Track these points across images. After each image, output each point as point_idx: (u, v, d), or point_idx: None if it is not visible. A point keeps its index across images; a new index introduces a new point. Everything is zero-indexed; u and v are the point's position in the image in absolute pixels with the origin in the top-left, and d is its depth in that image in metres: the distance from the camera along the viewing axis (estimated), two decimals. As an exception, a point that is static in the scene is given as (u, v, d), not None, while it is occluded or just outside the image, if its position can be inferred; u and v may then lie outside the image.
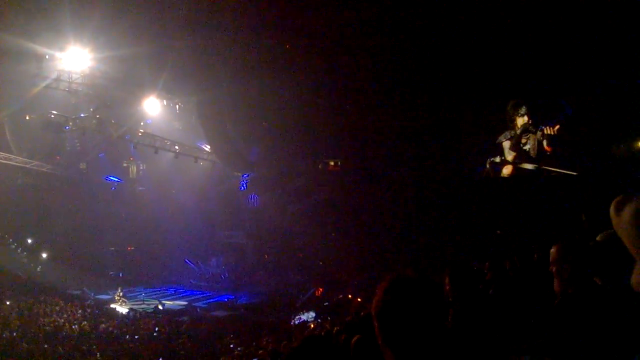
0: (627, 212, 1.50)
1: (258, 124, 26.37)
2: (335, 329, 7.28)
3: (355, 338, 4.08)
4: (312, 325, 17.56)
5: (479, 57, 17.46)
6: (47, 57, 21.35)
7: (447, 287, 3.43)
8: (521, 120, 17.83)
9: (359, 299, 22.04)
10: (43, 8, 17.99)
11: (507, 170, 18.31)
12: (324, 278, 25.63)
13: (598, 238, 2.60)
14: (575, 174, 16.71)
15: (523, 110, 17.77)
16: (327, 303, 22.76)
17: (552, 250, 2.60)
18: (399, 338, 1.53)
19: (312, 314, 20.59)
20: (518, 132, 18.02)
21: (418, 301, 1.54)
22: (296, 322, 20.17)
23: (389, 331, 1.55)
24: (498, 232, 20.00)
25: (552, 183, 17.26)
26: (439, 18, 17.00)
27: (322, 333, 8.27)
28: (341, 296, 23.39)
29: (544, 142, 17.53)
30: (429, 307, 1.54)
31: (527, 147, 17.65)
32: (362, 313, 7.23)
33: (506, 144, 18.13)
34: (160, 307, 24.01)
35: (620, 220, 1.52)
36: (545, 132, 17.46)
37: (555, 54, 15.93)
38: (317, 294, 24.39)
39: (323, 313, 20.43)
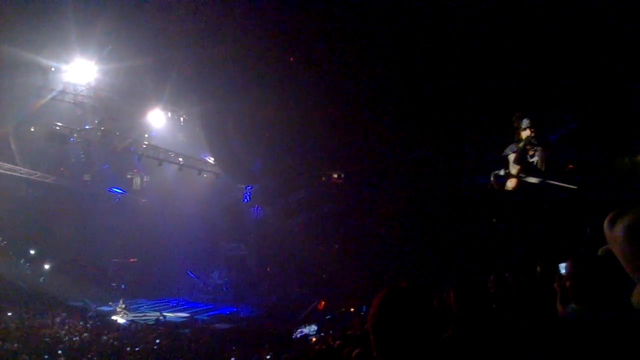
0: (619, 227, 1.47)
1: (261, 136, 26.43)
2: (337, 342, 7.23)
3: (355, 351, 4.05)
4: (313, 339, 17.47)
5: (484, 69, 17.50)
6: (52, 69, 21.52)
7: (452, 300, 3.40)
8: (525, 133, 17.80)
9: (362, 313, 21.94)
10: (49, 21, 18.17)
11: (511, 184, 18.24)
12: (327, 291, 25.51)
13: (600, 252, 2.58)
14: (575, 187, 16.65)
15: (527, 123, 17.75)
16: (329, 316, 22.64)
17: (567, 264, 2.57)
18: (393, 350, 1.52)
19: (314, 327, 20.46)
20: (522, 145, 17.99)
21: (411, 313, 1.52)
22: (298, 336, 20.05)
23: (383, 343, 1.54)
24: (494, 219, 20.07)
25: (556, 197, 17.20)
26: (444, 30, 17.08)
27: (324, 347, 8.21)
28: (344, 309, 23.27)
29: (547, 157, 17.51)
30: (422, 318, 1.53)
31: (533, 160, 17.59)
32: (365, 326, 7.17)
33: (511, 157, 18.08)
34: (161, 319, 23.94)
35: (613, 236, 1.50)
36: (549, 144, 17.44)
37: (561, 67, 15.96)
38: (319, 307, 24.25)
39: (325, 326, 20.30)
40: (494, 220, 20.53)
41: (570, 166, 17.22)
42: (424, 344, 1.50)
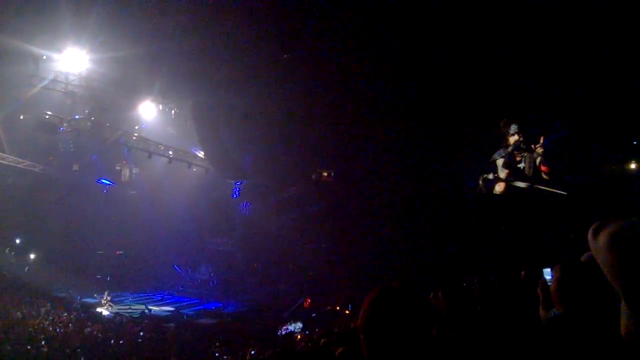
0: (603, 237, 1.49)
1: (252, 132, 26.39)
2: (322, 340, 7.26)
3: (339, 350, 4.08)
4: (299, 337, 17.50)
5: (475, 73, 17.61)
6: (44, 57, 21.30)
7: (438, 301, 3.44)
8: (513, 139, 17.92)
9: (347, 311, 22.01)
10: (41, 9, 17.99)
11: (499, 188, 18.32)
12: (313, 289, 25.55)
13: (582, 259, 2.61)
14: (565, 193, 16.80)
15: (514, 128, 17.87)
16: (314, 314, 22.69)
17: (555, 269, 2.61)
18: (383, 350, 1.54)
19: (299, 325, 20.50)
20: (510, 150, 18.11)
21: (403, 313, 1.54)
22: (283, 333, 20.08)
23: (373, 344, 1.56)
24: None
25: (543, 202, 17.35)
26: (436, 33, 17.15)
27: (309, 344, 8.24)
28: (329, 308, 23.33)
29: (539, 161, 17.62)
30: (413, 318, 1.55)
31: (521, 166, 17.72)
32: (351, 325, 7.21)
33: (499, 162, 18.18)
34: (146, 312, 23.85)
35: (597, 246, 1.52)
36: (539, 151, 17.56)
37: (551, 72, 16.09)
38: (305, 305, 24.30)
39: (310, 324, 20.35)
40: (473, 218, 20.74)
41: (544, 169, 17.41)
42: (415, 344, 1.52)
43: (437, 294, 3.54)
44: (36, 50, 20.57)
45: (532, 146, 17.58)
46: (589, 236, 1.60)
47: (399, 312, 1.54)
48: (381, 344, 1.54)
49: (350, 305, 22.37)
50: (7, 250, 27.64)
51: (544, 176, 17.41)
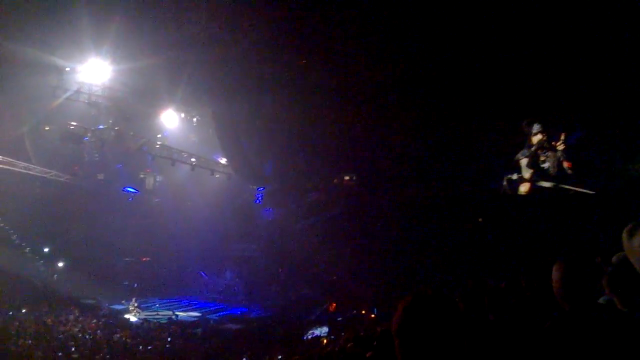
0: (638, 239, 1.48)
1: (274, 137, 26.50)
2: (349, 345, 7.25)
3: (368, 354, 4.08)
4: (325, 341, 17.48)
5: (498, 73, 17.44)
6: (67, 69, 21.71)
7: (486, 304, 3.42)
8: (537, 138, 17.73)
9: (372, 315, 21.92)
10: (64, 22, 18.34)
11: (524, 188, 18.17)
12: (338, 293, 25.50)
13: (613, 259, 2.59)
14: (592, 192, 16.53)
15: (538, 128, 17.68)
16: (340, 318, 22.63)
17: (555, 265, 2.60)
18: (420, 356, 1.54)
19: (325, 329, 20.47)
20: (534, 149, 17.92)
21: (438, 319, 1.55)
22: (309, 337, 20.06)
23: (409, 349, 1.56)
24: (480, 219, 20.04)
25: (569, 201, 17.10)
26: (458, 35, 17.04)
27: (336, 349, 8.24)
28: (355, 312, 23.25)
29: (563, 159, 17.39)
30: (449, 325, 1.56)
31: (546, 165, 17.52)
32: (378, 329, 7.19)
33: (523, 162, 18.01)
34: (173, 318, 24.07)
35: (632, 246, 1.51)
36: (563, 149, 17.33)
37: (575, 72, 15.86)
38: (330, 309, 24.26)
39: (336, 328, 20.30)
40: (480, 220, 20.54)
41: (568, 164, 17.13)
42: (449, 351, 1.53)
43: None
44: (60, 62, 20.99)
45: (553, 143, 17.41)
46: (624, 237, 1.59)
47: (433, 318, 1.55)
48: (416, 349, 1.55)
49: (375, 309, 22.28)
50: (36, 259, 28.12)
51: (569, 171, 17.20)
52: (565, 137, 17.34)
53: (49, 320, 19.34)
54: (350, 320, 21.91)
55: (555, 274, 2.56)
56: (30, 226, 27.08)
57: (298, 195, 29.38)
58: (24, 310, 20.41)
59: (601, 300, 2.54)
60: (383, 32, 18.32)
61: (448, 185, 22.23)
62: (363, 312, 23.02)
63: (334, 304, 24.46)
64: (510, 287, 5.44)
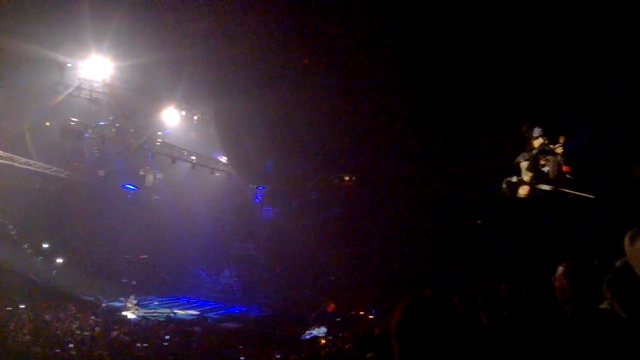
0: None
1: (274, 136, 26.52)
2: (347, 346, 7.25)
3: (368, 355, 4.08)
4: (323, 341, 17.49)
5: (498, 75, 17.46)
6: (69, 65, 21.71)
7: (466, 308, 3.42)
8: (537, 142, 17.72)
9: (371, 316, 21.93)
10: (66, 17, 18.35)
11: (523, 191, 18.14)
12: (337, 293, 25.50)
13: (617, 264, 2.58)
14: (592, 197, 16.52)
15: (538, 132, 17.68)
16: (339, 319, 22.63)
17: (559, 267, 2.60)
18: (416, 357, 1.55)
19: (323, 329, 20.47)
20: (535, 152, 17.91)
21: (437, 322, 1.56)
22: (307, 337, 20.07)
23: (408, 352, 1.57)
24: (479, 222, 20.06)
25: (570, 205, 17.09)
26: (459, 38, 17.07)
27: (334, 349, 8.24)
28: (353, 312, 23.26)
29: (562, 162, 17.39)
30: (447, 328, 1.56)
31: (546, 169, 17.51)
32: (376, 330, 7.19)
33: (524, 165, 18.00)
34: (171, 315, 24.08)
35: (634, 252, 1.51)
36: (562, 152, 17.32)
37: (574, 75, 15.88)
38: (329, 309, 24.27)
39: (335, 329, 20.31)
40: (479, 222, 20.55)
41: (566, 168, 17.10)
42: (447, 353, 1.53)
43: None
44: (61, 58, 20.98)
45: (552, 146, 17.40)
46: (626, 241, 1.59)
47: (432, 321, 1.56)
48: (414, 351, 1.55)
49: (374, 310, 22.28)
50: (34, 255, 28.10)
51: (567, 176, 17.20)
52: (565, 140, 17.34)
53: (47, 316, 19.35)
54: (349, 321, 21.92)
55: (559, 276, 2.56)
56: (29, 222, 27.08)
57: (298, 194, 29.38)
58: (22, 306, 20.40)
59: (603, 305, 2.53)
60: (385, 32, 18.34)
61: (448, 186, 22.22)
62: (361, 313, 23.02)
63: (333, 305, 24.45)
64: (510, 289, 5.45)
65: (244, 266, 32.62)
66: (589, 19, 14.39)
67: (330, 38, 19.71)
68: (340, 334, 16.94)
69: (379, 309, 21.71)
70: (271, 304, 28.24)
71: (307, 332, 20.57)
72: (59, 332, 17.02)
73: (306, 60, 21.55)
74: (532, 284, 5.65)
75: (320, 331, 20.33)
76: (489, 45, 16.83)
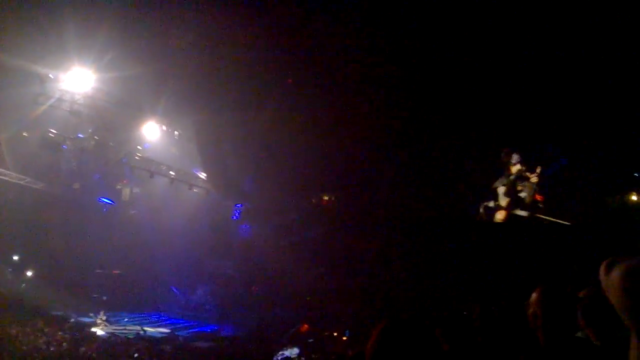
0: (616, 274, 1.51)
1: (254, 154, 26.50)
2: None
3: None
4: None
5: (478, 101, 17.78)
6: (50, 76, 21.53)
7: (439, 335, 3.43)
8: (515, 168, 18.03)
9: (344, 337, 21.81)
10: (48, 30, 18.26)
11: (500, 216, 18.38)
12: (311, 314, 25.34)
13: (581, 294, 2.62)
14: (568, 223, 16.79)
15: (516, 158, 17.99)
16: (312, 339, 22.46)
17: (533, 294, 2.63)
18: None
19: (295, 350, 20.28)
20: (512, 178, 18.20)
21: (413, 345, 1.57)
22: (279, 358, 19.84)
23: None
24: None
25: (545, 231, 17.33)
26: (440, 62, 17.37)
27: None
28: (327, 333, 23.11)
29: (536, 191, 17.70)
30: (423, 351, 1.57)
31: (522, 195, 17.80)
32: (349, 352, 7.15)
33: (501, 190, 18.27)
34: (142, 333, 23.61)
35: (609, 282, 1.54)
36: (537, 180, 17.64)
37: (553, 103, 16.24)
38: (302, 330, 24.07)
39: (307, 350, 20.14)
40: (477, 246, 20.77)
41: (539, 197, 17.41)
42: None
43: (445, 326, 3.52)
44: (42, 70, 20.81)
45: (528, 174, 17.72)
46: (601, 271, 1.62)
47: (408, 343, 1.56)
48: None
49: (347, 332, 22.17)
50: (4, 267, 27.44)
51: (539, 205, 17.49)
52: (541, 169, 17.66)
53: (14, 330, 18.82)
54: (322, 342, 21.76)
55: (532, 303, 2.58)
56: (1, 233, 26.47)
57: (276, 213, 29.28)
58: (-13, 319, 19.83)
59: (579, 334, 2.57)
60: (367, 53, 18.59)
61: (427, 208, 22.36)
62: (335, 334, 22.88)
63: (306, 325, 24.27)
64: (483, 314, 5.48)
65: (218, 284, 32.24)
66: (566, 46, 14.77)
67: (313, 57, 19.90)
68: (313, 355, 16.81)
69: (352, 330, 21.62)
70: (244, 324, 27.89)
71: (280, 352, 20.34)
72: (25, 347, 16.55)
73: (290, 80, 21.69)
74: (505, 309, 5.71)
75: (293, 352, 20.12)
76: (468, 70, 17.15)
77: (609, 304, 1.60)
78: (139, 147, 27.86)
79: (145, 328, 24.98)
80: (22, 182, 26.28)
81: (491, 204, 18.52)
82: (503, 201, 18.15)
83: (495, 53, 16.10)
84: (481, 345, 4.16)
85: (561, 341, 2.35)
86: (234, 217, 31.80)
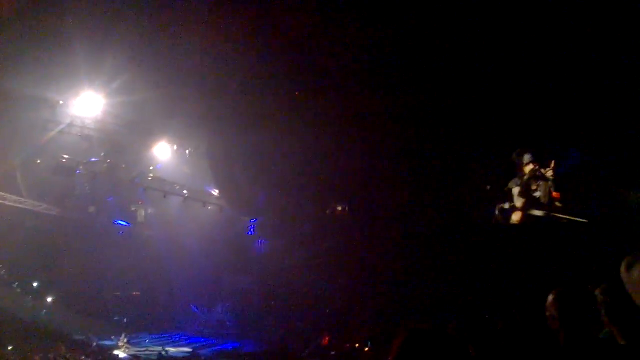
0: (637, 272, 1.47)
1: (266, 168, 26.55)
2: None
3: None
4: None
5: (489, 102, 17.65)
6: (60, 102, 21.78)
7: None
8: (528, 168, 17.86)
9: (367, 349, 21.62)
10: (58, 57, 18.47)
11: (516, 217, 18.20)
12: (332, 326, 25.19)
13: (596, 292, 2.56)
14: (585, 221, 16.56)
15: (528, 158, 17.83)
16: (333, 352, 22.29)
17: (549, 296, 2.60)
18: None
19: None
20: (526, 179, 18.03)
21: (435, 355, 1.52)
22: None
23: None
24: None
25: (562, 230, 17.10)
26: (449, 66, 17.30)
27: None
28: (349, 345, 22.94)
29: (552, 188, 17.50)
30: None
31: (537, 194, 17.61)
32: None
33: (515, 191, 18.11)
34: (164, 354, 23.63)
35: (631, 279, 1.50)
36: (553, 178, 17.45)
37: (567, 99, 16.05)
38: (323, 343, 23.91)
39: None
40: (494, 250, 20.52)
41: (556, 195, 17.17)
42: None
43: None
44: (52, 96, 21.07)
45: (542, 171, 17.51)
46: (622, 269, 1.57)
47: (430, 353, 1.52)
48: None
49: (369, 342, 21.98)
50: (24, 294, 27.67)
51: (556, 203, 17.26)
52: (555, 165, 17.46)
53: (37, 357, 18.91)
54: (344, 354, 21.59)
55: (550, 304, 2.54)
56: (19, 261, 26.75)
57: (291, 226, 29.27)
58: (10, 348, 19.96)
59: (602, 335, 2.50)
60: (375, 65, 18.57)
61: (442, 215, 22.19)
62: (357, 345, 22.69)
63: (327, 338, 24.11)
64: (505, 319, 5.40)
65: (237, 301, 32.24)
66: (576, 44, 14.62)
67: (323, 71, 19.93)
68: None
69: (375, 341, 21.41)
70: (266, 339, 27.79)
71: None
72: (48, 373, 16.64)
73: (297, 93, 21.73)
74: (523, 313, 5.62)
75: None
76: (478, 73, 17.05)
77: (632, 301, 1.55)
78: (151, 167, 28.07)
79: (167, 348, 25.00)
80: (38, 209, 26.58)
81: (506, 205, 18.36)
82: (518, 202, 17.99)
83: (504, 53, 16.00)
84: (505, 348, 4.07)
85: (581, 342, 2.30)
86: (249, 232, 31.87)
